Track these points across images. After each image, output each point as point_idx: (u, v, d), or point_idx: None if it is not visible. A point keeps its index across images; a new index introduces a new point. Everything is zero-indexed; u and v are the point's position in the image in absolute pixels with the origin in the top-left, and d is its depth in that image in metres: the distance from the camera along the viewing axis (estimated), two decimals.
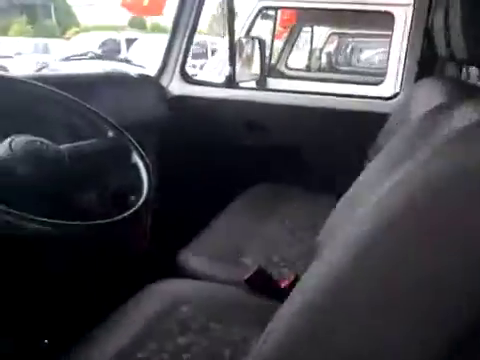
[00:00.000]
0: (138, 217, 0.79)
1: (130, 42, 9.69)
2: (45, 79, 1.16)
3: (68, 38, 12.30)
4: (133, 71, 1.64)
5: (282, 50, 3.79)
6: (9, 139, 0.77)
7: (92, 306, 1.11)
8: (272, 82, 2.75)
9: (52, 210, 0.74)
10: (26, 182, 0.74)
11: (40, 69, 1.36)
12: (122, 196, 0.84)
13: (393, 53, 2.27)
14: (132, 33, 10.35)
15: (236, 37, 1.80)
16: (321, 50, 4.82)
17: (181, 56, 1.78)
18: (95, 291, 1.11)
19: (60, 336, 1.03)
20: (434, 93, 1.16)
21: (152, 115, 1.60)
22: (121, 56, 1.70)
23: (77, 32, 11.12)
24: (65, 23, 18.03)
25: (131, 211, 0.78)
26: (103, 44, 10.21)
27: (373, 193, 0.74)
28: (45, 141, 0.79)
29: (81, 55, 1.52)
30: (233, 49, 1.73)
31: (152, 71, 1.79)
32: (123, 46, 9.91)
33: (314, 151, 1.67)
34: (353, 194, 0.89)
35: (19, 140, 0.77)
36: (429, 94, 1.20)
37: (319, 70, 4.63)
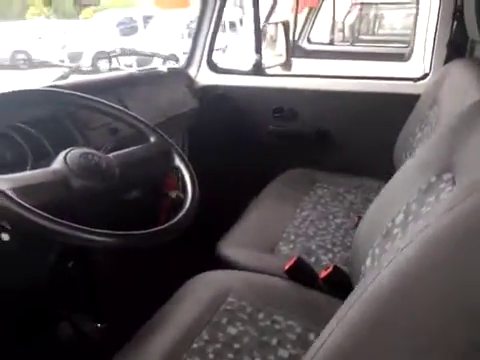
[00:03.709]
0: (189, 217, 0.83)
1: (147, 19, 9.69)
2: (84, 85, 1.21)
3: (86, 18, 12.32)
4: (163, 66, 1.67)
5: (304, 25, 3.73)
6: (64, 153, 0.82)
7: (138, 298, 1.19)
8: (295, 62, 2.72)
9: (109, 219, 0.80)
10: (83, 195, 0.79)
11: (71, 72, 1.41)
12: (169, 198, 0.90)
13: (419, 31, 2.22)
14: (148, 9, 10.31)
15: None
16: (343, 22, 4.72)
17: (207, 45, 1.80)
18: (141, 284, 1.19)
19: (113, 324, 1.11)
20: (466, 76, 1.17)
21: (183, 107, 1.64)
22: (148, 51, 1.75)
23: (94, 11, 11.14)
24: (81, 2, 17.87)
25: (183, 213, 0.82)
26: (121, 23, 10.25)
27: (410, 195, 0.78)
28: (97, 153, 0.84)
29: (109, 53, 1.57)
30: (259, 36, 1.74)
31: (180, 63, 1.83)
32: (140, 24, 9.91)
33: (344, 135, 1.69)
34: (390, 191, 0.92)
35: (73, 153, 0.82)
36: (461, 77, 1.20)
37: (343, 42, 4.55)
